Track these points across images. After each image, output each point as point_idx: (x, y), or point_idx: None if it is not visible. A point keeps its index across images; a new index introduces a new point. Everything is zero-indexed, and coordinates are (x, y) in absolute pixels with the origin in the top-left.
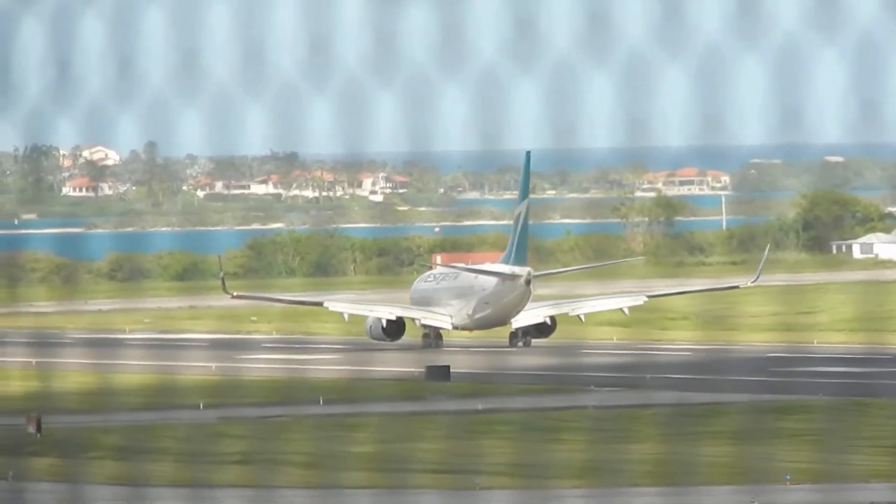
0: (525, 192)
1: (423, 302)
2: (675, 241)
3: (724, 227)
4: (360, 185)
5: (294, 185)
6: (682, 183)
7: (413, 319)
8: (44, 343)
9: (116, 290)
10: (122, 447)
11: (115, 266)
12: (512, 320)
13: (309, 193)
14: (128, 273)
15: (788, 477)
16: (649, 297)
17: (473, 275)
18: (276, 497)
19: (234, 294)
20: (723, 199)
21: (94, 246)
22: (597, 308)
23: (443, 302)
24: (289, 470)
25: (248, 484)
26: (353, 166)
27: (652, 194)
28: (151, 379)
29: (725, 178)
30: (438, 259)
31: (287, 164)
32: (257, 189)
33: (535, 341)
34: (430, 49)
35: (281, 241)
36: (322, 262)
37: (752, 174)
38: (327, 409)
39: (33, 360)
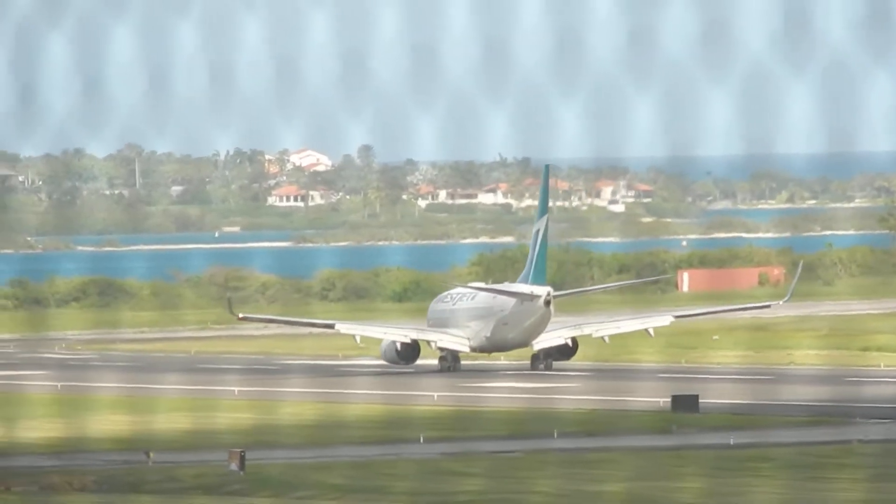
0: (544, 208)
1: (440, 324)
2: None
3: None
4: (598, 195)
5: (527, 195)
6: None
7: (428, 342)
8: (250, 370)
9: (330, 311)
10: (338, 486)
11: (326, 285)
12: (533, 342)
13: None
14: (340, 293)
15: None
16: (676, 317)
17: (492, 295)
18: None
19: (241, 316)
20: None
21: (305, 261)
22: (621, 329)
23: (460, 323)
24: None
25: None
26: (591, 173)
27: None
28: (371, 409)
29: None
30: (686, 276)
31: (519, 171)
32: (485, 199)
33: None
34: (690, 47)
35: (511, 256)
36: (556, 280)
37: None
38: (564, 444)
39: (236, 390)
